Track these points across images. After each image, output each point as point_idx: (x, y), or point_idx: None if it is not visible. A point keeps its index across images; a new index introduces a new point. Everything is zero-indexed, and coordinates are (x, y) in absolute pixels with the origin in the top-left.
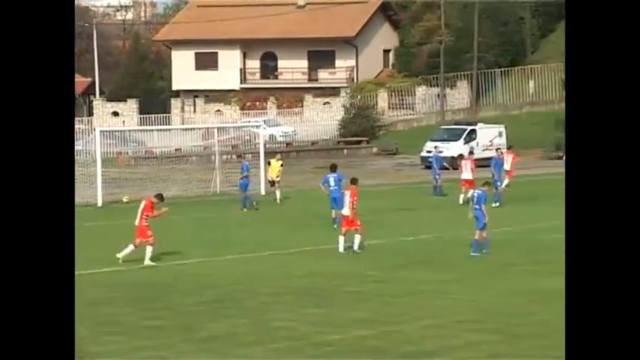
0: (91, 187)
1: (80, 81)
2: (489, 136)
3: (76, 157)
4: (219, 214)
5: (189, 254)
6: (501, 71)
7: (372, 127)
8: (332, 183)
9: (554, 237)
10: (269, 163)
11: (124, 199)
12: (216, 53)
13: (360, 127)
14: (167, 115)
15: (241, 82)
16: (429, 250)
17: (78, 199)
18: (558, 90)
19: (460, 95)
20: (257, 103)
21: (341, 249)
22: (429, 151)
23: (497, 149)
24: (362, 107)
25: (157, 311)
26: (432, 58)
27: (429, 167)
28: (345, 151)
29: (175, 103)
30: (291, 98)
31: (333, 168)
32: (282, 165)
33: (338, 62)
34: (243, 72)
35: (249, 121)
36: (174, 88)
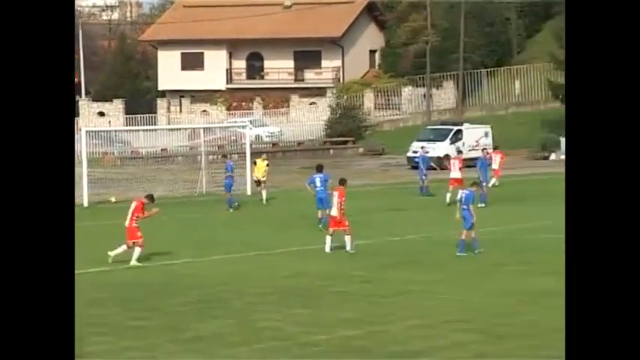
0: (77, 188)
1: None
2: (475, 137)
3: None
4: (205, 214)
5: (176, 255)
6: (487, 71)
7: (358, 128)
8: (318, 183)
9: (542, 237)
10: (255, 163)
11: (112, 200)
12: (202, 53)
13: (347, 128)
14: (153, 115)
15: (227, 83)
16: (416, 250)
17: None
18: (544, 90)
19: (446, 95)
20: (243, 104)
21: (327, 249)
22: (415, 152)
23: (483, 149)
24: (348, 107)
25: (144, 312)
26: (418, 59)
27: (415, 167)
28: (332, 151)
29: (161, 104)
30: (277, 98)
31: (320, 168)
32: (268, 165)
33: (324, 62)
34: (229, 72)
35: (236, 122)
36: (160, 88)
